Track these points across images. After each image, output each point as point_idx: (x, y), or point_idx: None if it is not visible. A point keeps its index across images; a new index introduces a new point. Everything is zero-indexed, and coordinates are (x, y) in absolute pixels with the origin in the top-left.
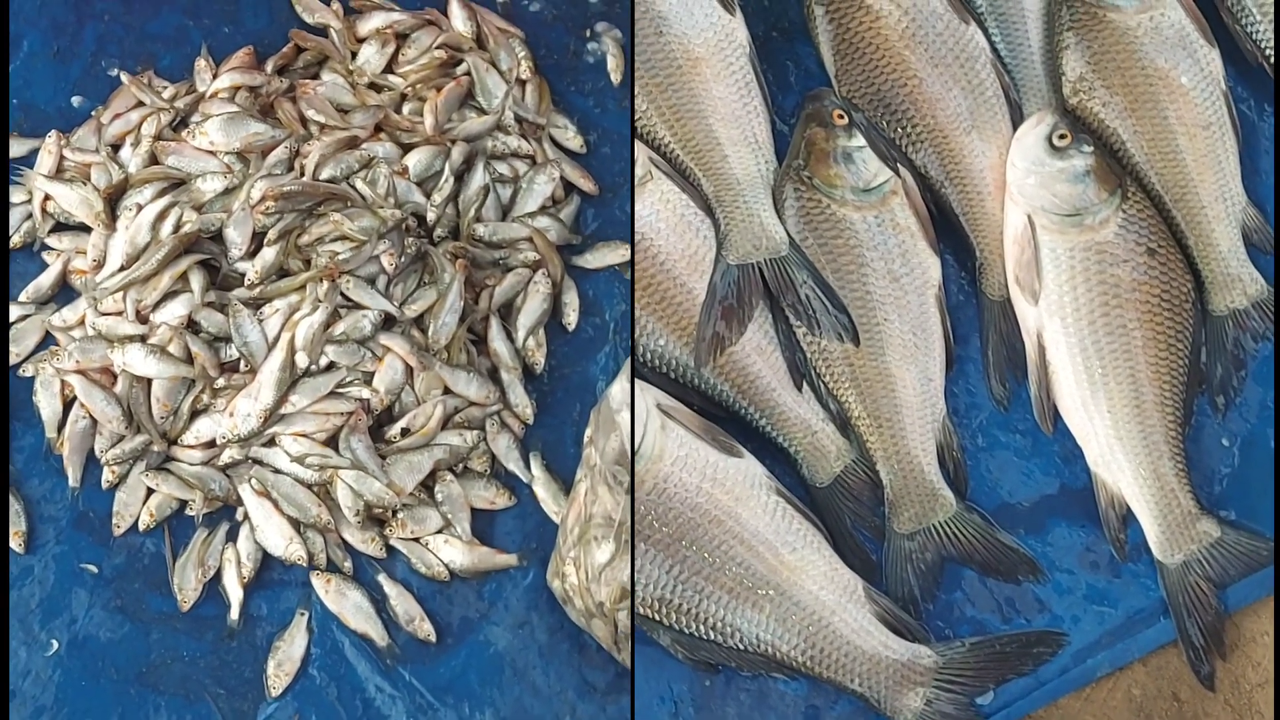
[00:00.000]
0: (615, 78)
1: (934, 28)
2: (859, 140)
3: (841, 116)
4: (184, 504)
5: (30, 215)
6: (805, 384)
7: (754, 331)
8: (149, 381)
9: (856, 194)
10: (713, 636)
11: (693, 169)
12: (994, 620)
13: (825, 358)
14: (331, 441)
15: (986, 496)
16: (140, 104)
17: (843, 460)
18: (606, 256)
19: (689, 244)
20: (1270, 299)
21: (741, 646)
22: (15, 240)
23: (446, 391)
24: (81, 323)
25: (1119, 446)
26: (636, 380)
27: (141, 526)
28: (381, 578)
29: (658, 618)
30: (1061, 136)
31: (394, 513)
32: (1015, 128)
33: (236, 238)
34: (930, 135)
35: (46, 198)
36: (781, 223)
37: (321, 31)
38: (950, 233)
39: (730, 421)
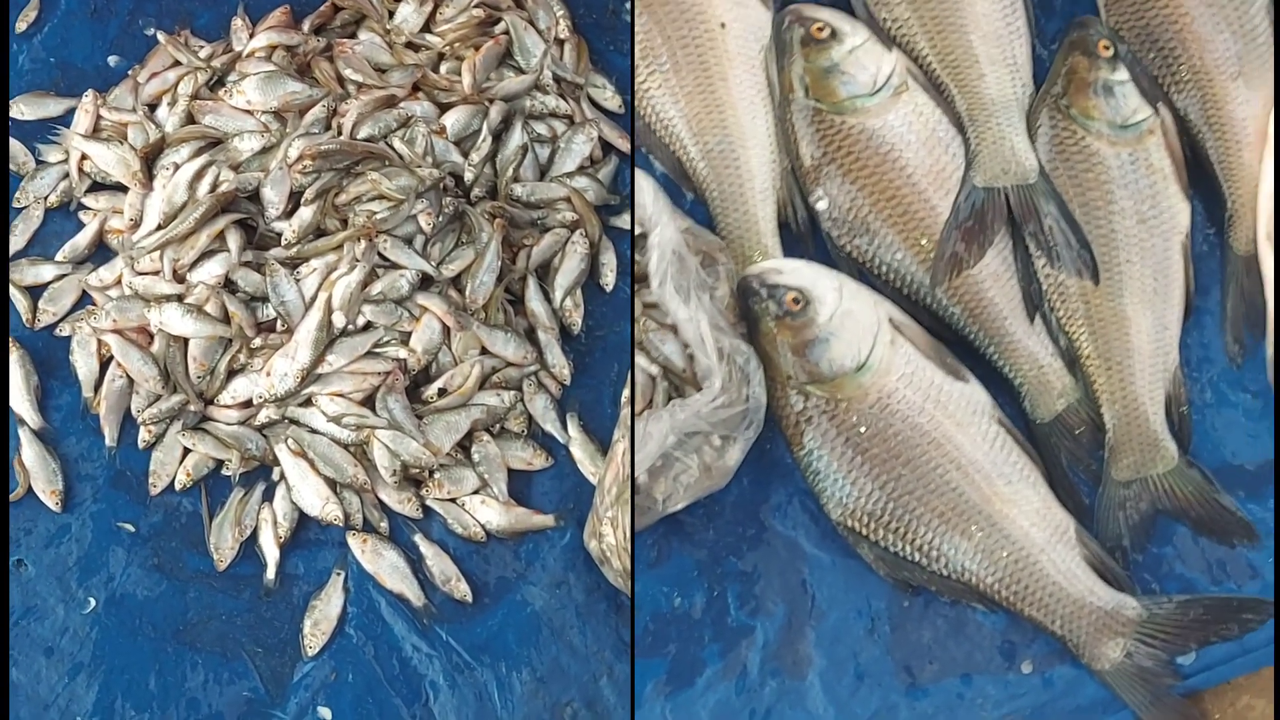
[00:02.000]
0: None
1: None
2: (1122, 74)
3: (1107, 47)
4: (220, 464)
5: (67, 175)
6: (1038, 316)
7: (992, 257)
8: (185, 341)
9: (1113, 129)
10: (917, 558)
11: (948, 84)
12: (1203, 580)
13: (1061, 292)
14: (368, 401)
15: (1209, 454)
16: (177, 63)
17: (1067, 398)
18: None
19: (937, 159)
20: None
21: (945, 572)
22: (52, 199)
23: (484, 352)
24: (118, 282)
25: None
26: (872, 293)
27: (178, 486)
28: (418, 538)
29: (865, 532)
30: None
31: (430, 473)
32: None
33: (274, 197)
34: (1195, 77)
35: (83, 157)
36: (1033, 149)
37: None
38: (1202, 180)
39: (958, 345)
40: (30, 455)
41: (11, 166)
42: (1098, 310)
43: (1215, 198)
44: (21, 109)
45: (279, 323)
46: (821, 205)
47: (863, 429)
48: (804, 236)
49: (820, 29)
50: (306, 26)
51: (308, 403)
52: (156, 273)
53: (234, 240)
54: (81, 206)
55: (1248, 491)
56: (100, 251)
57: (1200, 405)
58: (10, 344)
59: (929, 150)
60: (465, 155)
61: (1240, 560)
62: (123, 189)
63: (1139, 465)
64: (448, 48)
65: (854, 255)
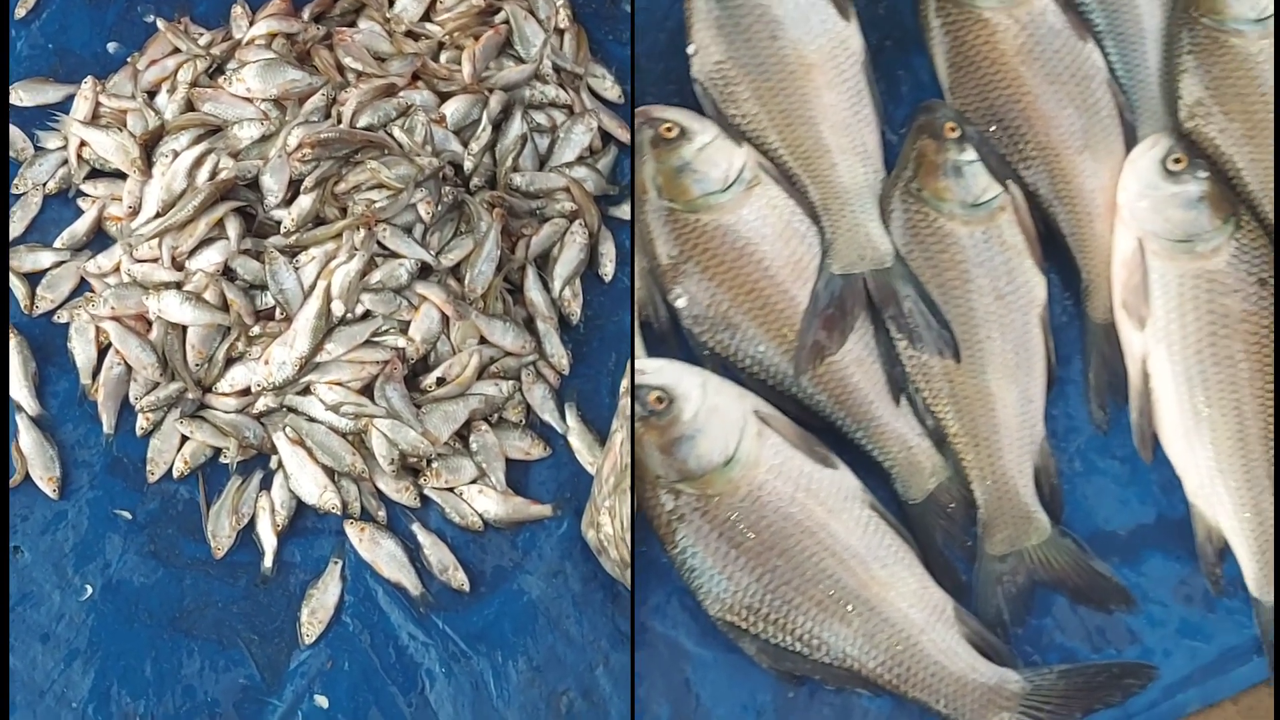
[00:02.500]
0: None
1: (1051, 44)
2: (970, 154)
3: (954, 129)
4: (218, 451)
5: (66, 161)
6: (904, 398)
7: (854, 342)
8: (184, 329)
9: (965, 208)
10: (799, 648)
11: (800, 176)
12: (1084, 649)
13: (925, 373)
14: (367, 390)
15: (1082, 522)
16: (176, 50)
17: (938, 477)
18: None
19: (794, 250)
20: None
21: (828, 660)
22: (51, 186)
23: (482, 341)
24: (117, 269)
25: (1220, 479)
26: (737, 386)
27: (176, 473)
28: (415, 527)
29: (745, 625)
30: (1176, 160)
31: (428, 462)
32: (1129, 149)
33: (273, 185)
34: (1042, 153)
35: (82, 144)
36: (888, 234)
37: None
38: (1057, 253)
39: (826, 432)
40: (28, 442)
41: (10, 153)
42: (962, 388)
43: (1071, 269)
44: (20, 95)
45: (278, 311)
46: (681, 303)
47: (736, 523)
48: (666, 335)
49: (669, 129)
50: (306, 14)
51: (306, 391)
52: (155, 260)
53: (233, 228)
54: (80, 193)
55: (1121, 557)
56: (99, 238)
57: (1070, 475)
58: (9, 330)
59: (785, 242)
60: (465, 144)
61: (1119, 626)
62: (121, 176)
63: (1013, 539)
64: (448, 37)
65: (717, 350)
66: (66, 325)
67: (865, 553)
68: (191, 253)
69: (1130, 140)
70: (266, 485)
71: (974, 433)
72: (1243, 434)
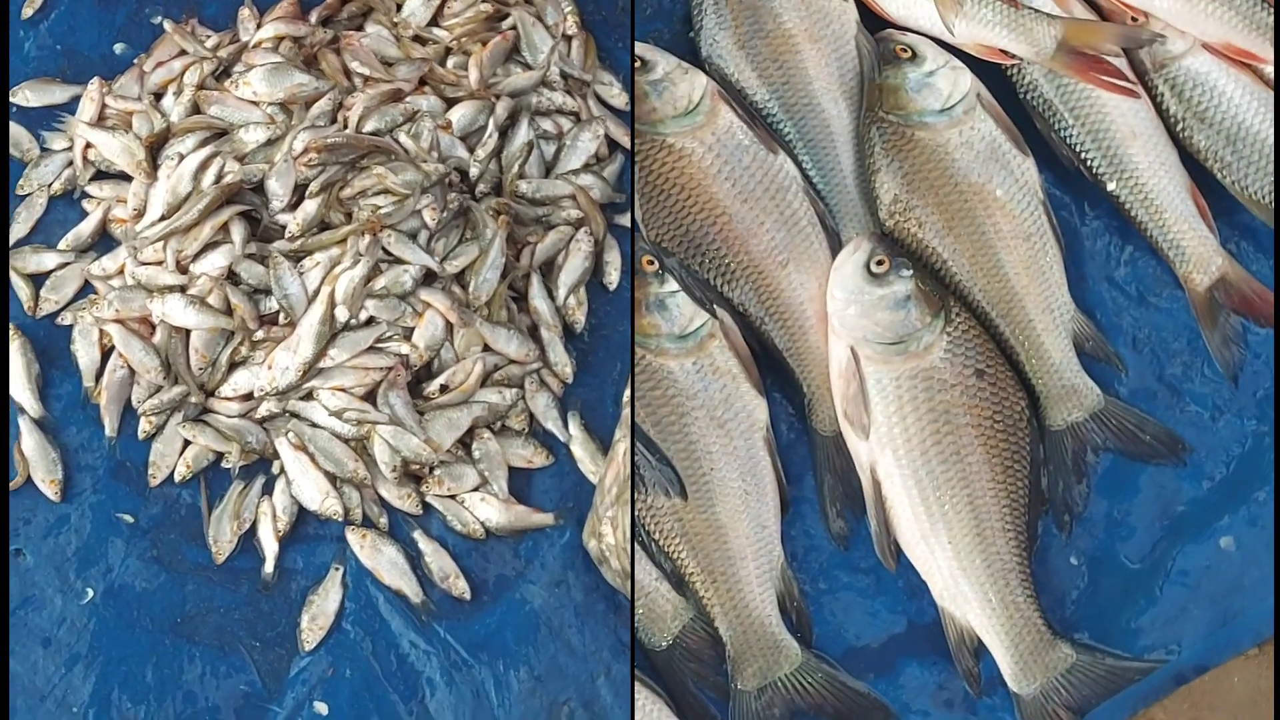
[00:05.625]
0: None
1: (740, 161)
2: (671, 285)
3: (651, 262)
4: (220, 456)
5: (71, 162)
6: (635, 544)
7: None
8: (188, 332)
9: (673, 341)
10: None
11: None
12: None
13: (653, 514)
14: (370, 396)
15: (833, 642)
16: (183, 52)
17: (680, 619)
18: None
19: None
20: (1106, 408)
21: None
22: (56, 187)
23: (486, 349)
24: (121, 272)
25: (964, 577)
26: None
27: (178, 478)
28: (417, 534)
29: None
30: (879, 262)
31: (431, 469)
32: (834, 256)
33: (278, 189)
34: (745, 272)
35: (88, 145)
36: None
37: None
38: (776, 370)
39: None
40: (30, 444)
41: (15, 153)
42: (692, 525)
43: (792, 384)
44: (27, 95)
45: (281, 316)
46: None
47: None
48: None
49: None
50: (314, 18)
51: (309, 396)
52: (160, 263)
53: (238, 232)
54: (85, 195)
55: (877, 671)
56: (103, 240)
57: (815, 595)
58: (11, 332)
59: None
60: (471, 151)
61: None
62: (127, 178)
63: (764, 671)
64: (455, 42)
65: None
66: (70, 327)
67: None
68: (196, 256)
69: (835, 246)
70: (268, 490)
71: (710, 568)
72: (980, 528)
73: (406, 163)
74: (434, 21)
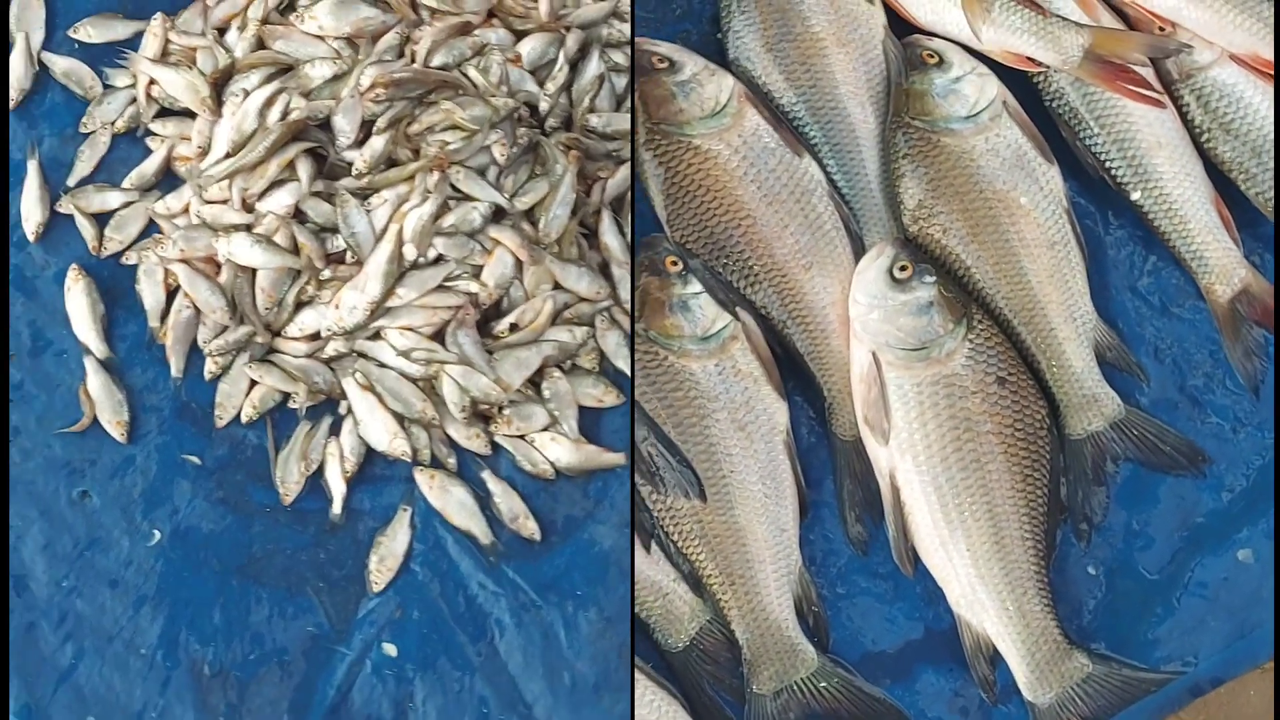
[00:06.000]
0: None
1: (766, 163)
2: (695, 286)
3: (675, 263)
4: (287, 396)
5: (134, 100)
6: (653, 544)
7: None
8: (254, 271)
9: (695, 343)
10: None
11: None
12: None
13: (672, 515)
14: (438, 336)
15: (850, 647)
16: None
17: (697, 621)
18: None
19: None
20: (1126, 418)
21: None
22: (119, 125)
23: (556, 286)
24: (185, 210)
25: (981, 585)
26: None
27: (244, 418)
28: (486, 474)
29: None
30: (903, 268)
31: (500, 409)
32: (857, 260)
33: (345, 126)
34: (769, 274)
35: (151, 82)
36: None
37: None
38: (797, 374)
39: None
40: (95, 385)
41: (79, 90)
42: (711, 527)
43: (813, 388)
44: (89, 31)
45: (349, 254)
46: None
47: None
48: None
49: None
50: None
51: (376, 336)
52: (225, 201)
53: (304, 169)
54: (149, 133)
55: (893, 677)
56: (168, 179)
57: (833, 599)
58: (74, 273)
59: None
60: (541, 84)
61: None
62: (191, 115)
63: (781, 674)
64: None
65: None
66: (135, 267)
67: None
68: (262, 194)
69: (858, 251)
70: (335, 431)
71: (728, 571)
72: (998, 536)
73: (475, 97)
74: None
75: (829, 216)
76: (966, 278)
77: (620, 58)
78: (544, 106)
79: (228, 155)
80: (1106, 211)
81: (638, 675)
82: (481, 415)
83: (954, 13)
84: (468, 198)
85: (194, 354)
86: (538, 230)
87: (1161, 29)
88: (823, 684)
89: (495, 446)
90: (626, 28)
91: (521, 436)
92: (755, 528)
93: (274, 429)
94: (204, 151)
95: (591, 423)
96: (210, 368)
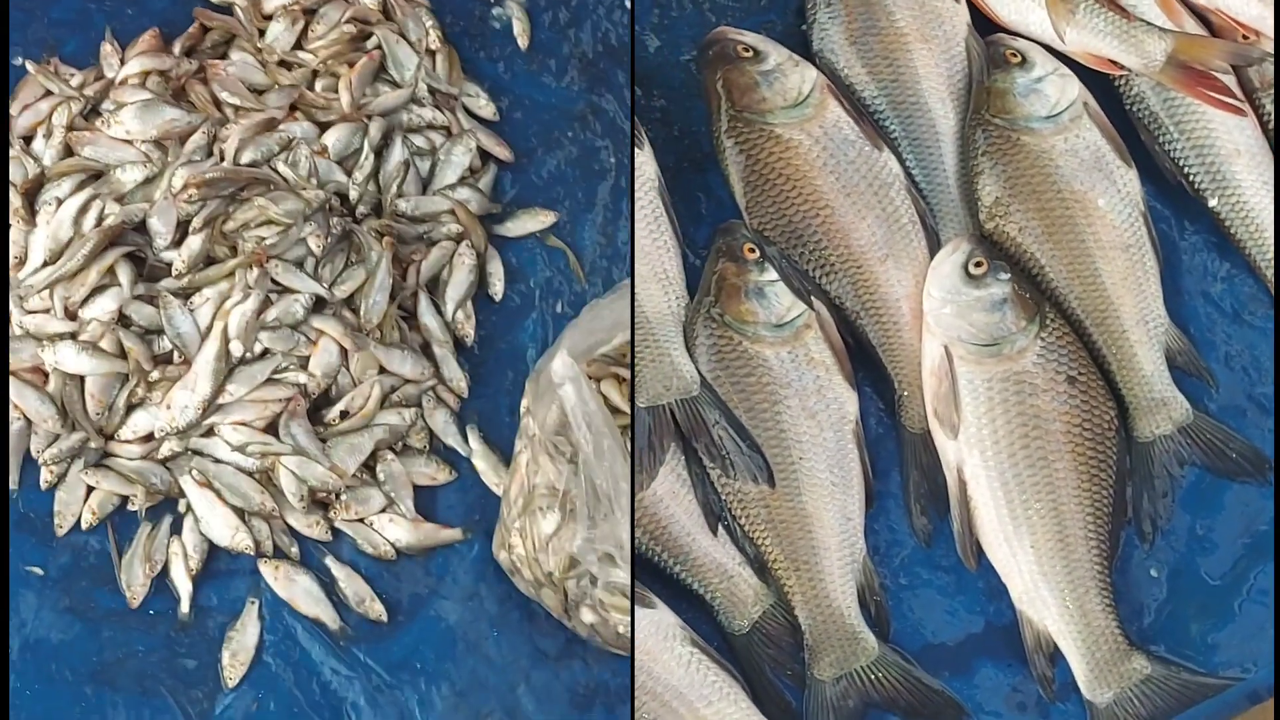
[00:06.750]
0: (522, 42)
1: (845, 155)
2: (771, 274)
3: (753, 250)
4: (125, 499)
5: None
6: (720, 527)
7: (666, 475)
8: (82, 378)
9: (770, 329)
10: None
11: None
12: None
13: (740, 499)
14: (271, 428)
15: (910, 637)
16: (49, 93)
17: (761, 605)
18: (527, 224)
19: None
20: (1194, 423)
21: None
22: None
23: (381, 371)
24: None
25: (1043, 582)
26: None
27: (84, 525)
28: (329, 560)
29: None
30: (978, 264)
31: (337, 495)
32: (932, 255)
33: (161, 227)
34: (844, 265)
35: None
36: (693, 361)
37: (226, 10)
38: (868, 364)
39: (642, 569)
40: None
41: None
42: (779, 512)
43: (883, 380)
44: None
45: (176, 354)
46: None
47: None
48: None
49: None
50: (177, 49)
51: (210, 433)
52: (47, 311)
53: (124, 274)
54: None
55: (952, 669)
56: None
57: (895, 590)
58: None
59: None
60: (349, 174)
61: None
62: None
63: (841, 662)
64: (321, 65)
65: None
66: None
67: (688, 691)
68: (84, 301)
69: (933, 245)
70: (177, 530)
71: (794, 557)
72: (1063, 535)
73: (287, 191)
74: (298, 45)
75: (906, 210)
76: (1040, 277)
77: (421, 142)
78: (354, 195)
79: (46, 264)
80: (1182, 217)
81: (699, 657)
82: (320, 503)
83: (1038, 13)
84: (288, 290)
85: (28, 464)
86: (359, 317)
87: (1245, 37)
88: (882, 673)
89: (336, 532)
90: (425, 111)
91: (361, 520)
92: (822, 515)
93: (115, 533)
94: (21, 262)
95: (428, 501)
96: (46, 477)
